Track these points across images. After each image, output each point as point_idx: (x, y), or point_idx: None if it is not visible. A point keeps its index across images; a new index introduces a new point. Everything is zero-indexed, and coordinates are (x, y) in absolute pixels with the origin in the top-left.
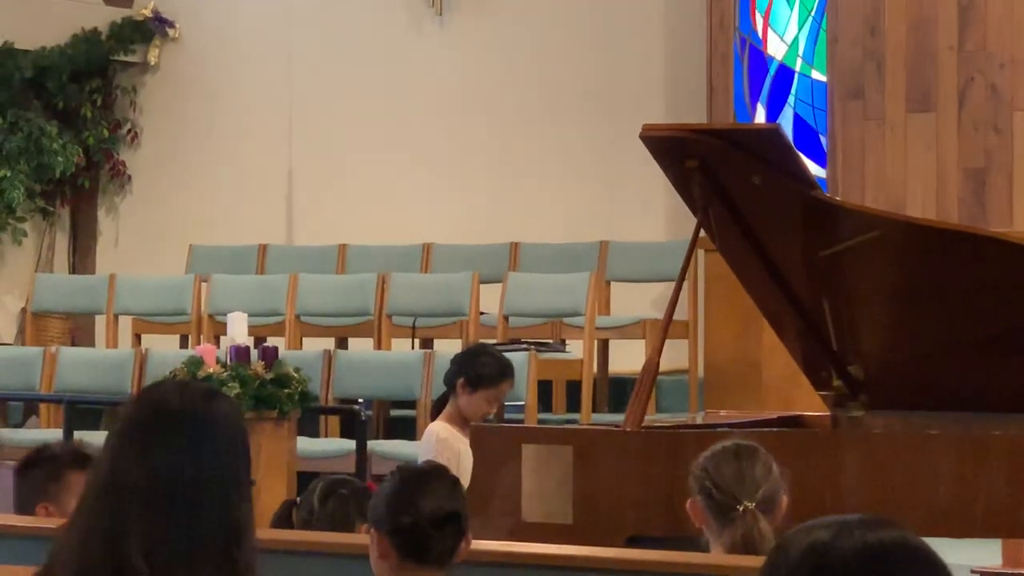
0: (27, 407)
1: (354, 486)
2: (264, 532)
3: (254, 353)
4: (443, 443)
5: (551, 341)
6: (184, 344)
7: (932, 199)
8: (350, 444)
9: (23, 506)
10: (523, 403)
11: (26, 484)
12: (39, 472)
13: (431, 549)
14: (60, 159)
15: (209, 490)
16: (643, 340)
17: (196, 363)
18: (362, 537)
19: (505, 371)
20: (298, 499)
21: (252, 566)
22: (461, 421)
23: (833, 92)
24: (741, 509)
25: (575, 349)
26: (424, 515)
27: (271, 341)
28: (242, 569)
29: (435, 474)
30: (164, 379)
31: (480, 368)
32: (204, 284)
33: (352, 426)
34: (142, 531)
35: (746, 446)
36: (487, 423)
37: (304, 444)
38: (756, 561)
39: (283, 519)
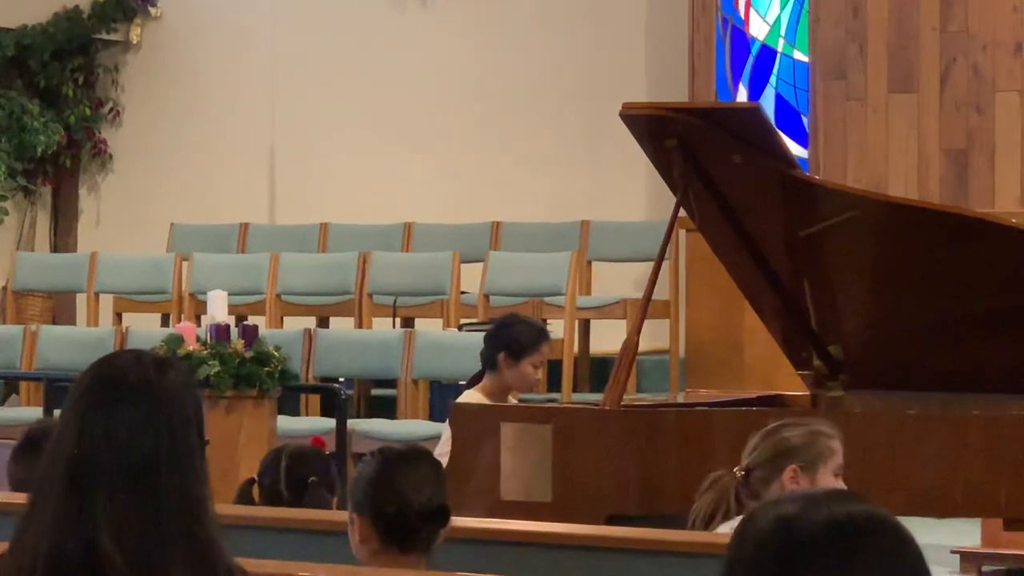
0: (8, 385)
1: (314, 451)
2: (230, 508)
3: (234, 331)
4: None
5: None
6: (165, 322)
7: (914, 179)
8: (330, 423)
9: (21, 485)
10: None
11: (26, 464)
12: (39, 453)
13: (417, 540)
14: (41, 137)
15: (167, 464)
16: (624, 320)
17: (176, 341)
18: (327, 513)
19: (543, 334)
20: (256, 476)
21: (215, 540)
22: (498, 395)
23: (815, 72)
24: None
25: (556, 328)
26: (413, 507)
27: (252, 320)
28: (205, 544)
29: (420, 459)
30: (117, 351)
31: (519, 337)
32: (185, 263)
33: (333, 405)
34: (109, 511)
35: (773, 424)
36: (471, 403)
37: (284, 423)
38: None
39: (244, 497)
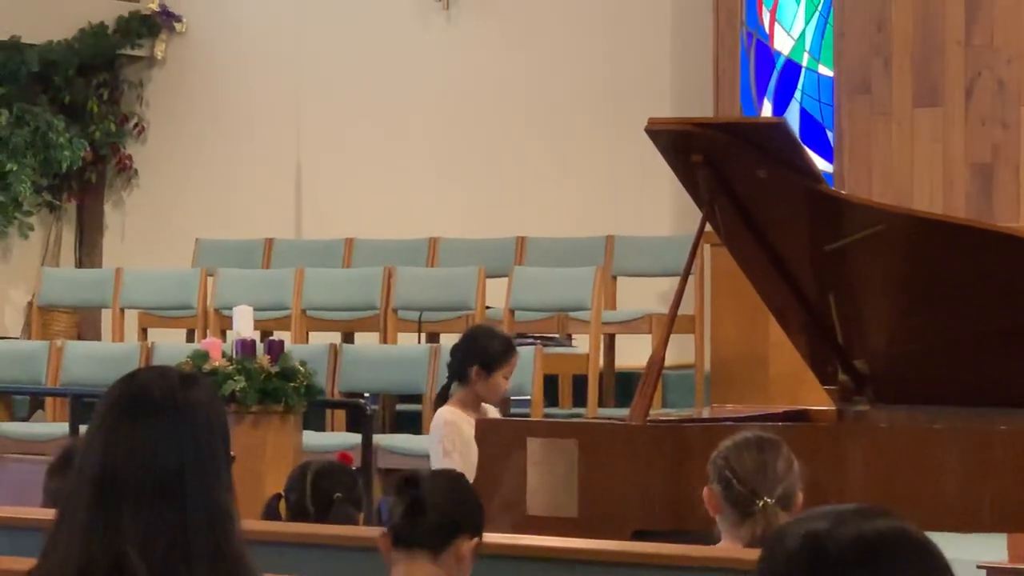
0: (33, 401)
1: (341, 467)
2: (256, 523)
3: (260, 347)
4: (451, 426)
5: (557, 335)
6: (190, 338)
7: (939, 194)
8: (356, 438)
9: (57, 499)
10: (529, 397)
11: (62, 480)
12: None
13: (408, 537)
14: (67, 153)
15: (192, 478)
16: (649, 335)
17: (202, 357)
18: (353, 529)
19: (511, 345)
20: (283, 492)
21: (241, 555)
22: (473, 406)
23: (840, 87)
24: (761, 504)
25: (581, 343)
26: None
27: (277, 335)
28: (231, 560)
29: (441, 473)
30: (142, 367)
31: (490, 349)
32: (210, 278)
33: (358, 420)
34: (135, 526)
35: (769, 439)
36: (493, 418)
37: (310, 438)
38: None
39: (271, 512)
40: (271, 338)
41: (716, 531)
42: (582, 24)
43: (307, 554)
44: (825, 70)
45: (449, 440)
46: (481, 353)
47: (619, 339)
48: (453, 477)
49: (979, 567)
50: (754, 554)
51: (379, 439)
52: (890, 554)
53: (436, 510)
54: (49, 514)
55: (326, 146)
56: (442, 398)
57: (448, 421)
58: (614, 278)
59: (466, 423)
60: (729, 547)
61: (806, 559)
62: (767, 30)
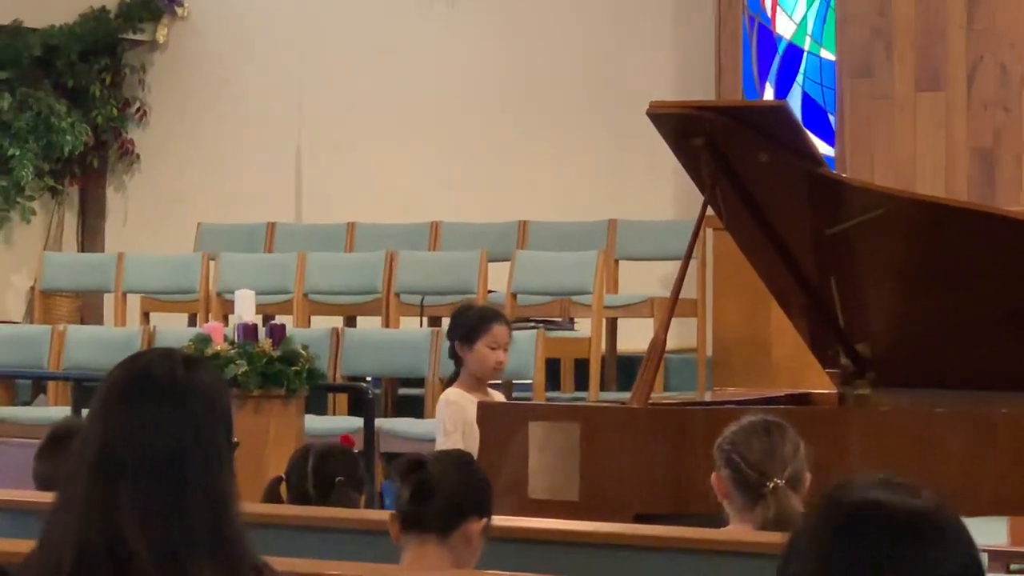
0: (35, 385)
1: (342, 450)
2: (257, 506)
3: (262, 331)
4: (453, 406)
5: (559, 319)
6: (192, 322)
7: (941, 178)
8: (358, 422)
9: (46, 483)
10: (531, 381)
11: (51, 462)
12: (63, 451)
13: (398, 504)
14: (69, 138)
15: (191, 460)
16: (651, 318)
17: (204, 341)
18: (354, 512)
19: (488, 314)
20: (284, 475)
21: (240, 538)
22: (473, 384)
23: (842, 71)
24: (771, 486)
25: (583, 327)
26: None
27: (279, 319)
28: (230, 542)
29: (447, 455)
30: (147, 349)
31: (467, 321)
32: (212, 262)
33: (360, 404)
34: (133, 508)
35: (775, 422)
36: (494, 401)
37: (312, 422)
38: (759, 537)
39: (272, 495)
40: (273, 322)
41: (723, 515)
42: (584, 9)
43: (308, 537)
44: (827, 54)
45: (451, 421)
46: (458, 327)
47: (621, 323)
48: (460, 459)
49: (981, 551)
50: (760, 536)
51: (381, 423)
52: (939, 530)
53: (443, 493)
54: (50, 497)
55: (328, 130)
56: (451, 382)
57: (450, 401)
58: (616, 262)
59: (469, 403)
60: (734, 530)
61: (859, 530)
62: (769, 14)
